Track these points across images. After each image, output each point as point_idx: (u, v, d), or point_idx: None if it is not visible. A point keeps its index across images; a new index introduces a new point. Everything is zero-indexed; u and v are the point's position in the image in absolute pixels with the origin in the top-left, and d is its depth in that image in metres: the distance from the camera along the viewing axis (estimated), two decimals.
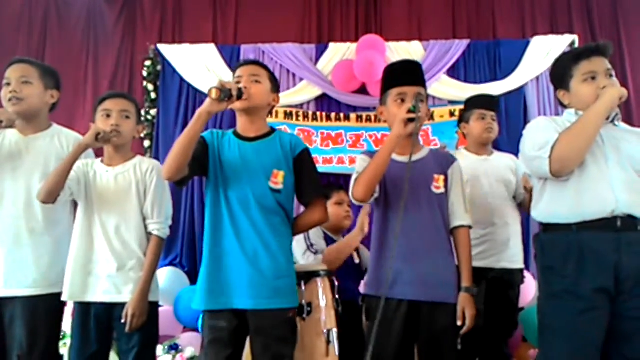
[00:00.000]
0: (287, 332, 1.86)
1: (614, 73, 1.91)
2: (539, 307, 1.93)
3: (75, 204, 2.29)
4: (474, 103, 2.88)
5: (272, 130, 2.02)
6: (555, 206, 1.88)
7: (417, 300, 1.96)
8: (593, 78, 1.88)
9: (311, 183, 1.98)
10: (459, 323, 1.94)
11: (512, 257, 2.69)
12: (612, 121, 1.91)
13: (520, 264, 2.73)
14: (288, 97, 4.78)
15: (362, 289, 2.65)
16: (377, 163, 1.92)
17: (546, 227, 1.93)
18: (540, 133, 1.88)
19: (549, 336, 1.84)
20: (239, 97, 1.81)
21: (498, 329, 2.64)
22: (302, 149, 1.98)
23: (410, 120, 1.88)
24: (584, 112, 1.85)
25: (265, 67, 2.05)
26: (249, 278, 1.82)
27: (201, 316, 1.98)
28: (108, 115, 2.19)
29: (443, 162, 2.10)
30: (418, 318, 1.96)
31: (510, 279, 2.67)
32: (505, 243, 2.65)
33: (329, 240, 2.81)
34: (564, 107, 2.02)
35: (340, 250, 2.64)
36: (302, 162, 1.96)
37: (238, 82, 1.91)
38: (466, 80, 4.84)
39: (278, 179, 1.90)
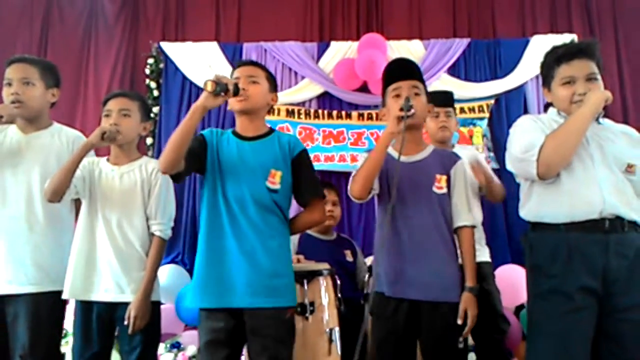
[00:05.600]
0: (285, 332, 1.84)
1: (598, 76, 1.87)
2: (527, 306, 1.94)
3: (76, 202, 2.29)
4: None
5: (271, 130, 2.02)
6: (543, 207, 1.88)
7: (418, 299, 1.97)
8: (571, 82, 1.86)
9: (309, 183, 1.98)
10: (460, 322, 1.94)
11: (477, 250, 2.71)
12: (597, 119, 1.90)
13: (486, 257, 2.74)
14: (290, 95, 4.79)
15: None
16: (372, 160, 1.93)
17: (534, 226, 1.92)
18: (527, 134, 1.87)
19: (536, 335, 1.84)
20: (236, 93, 1.81)
21: (483, 321, 2.66)
22: (301, 150, 1.98)
23: (406, 117, 1.88)
24: (569, 116, 1.84)
25: (263, 67, 2.05)
26: (246, 276, 1.81)
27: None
28: (107, 115, 2.20)
29: (446, 161, 2.10)
30: (419, 316, 1.97)
31: (480, 272, 2.69)
32: None
33: (316, 242, 2.87)
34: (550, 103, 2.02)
35: None
36: (300, 162, 1.96)
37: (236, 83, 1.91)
38: (466, 78, 4.86)
39: (275, 179, 1.90)
